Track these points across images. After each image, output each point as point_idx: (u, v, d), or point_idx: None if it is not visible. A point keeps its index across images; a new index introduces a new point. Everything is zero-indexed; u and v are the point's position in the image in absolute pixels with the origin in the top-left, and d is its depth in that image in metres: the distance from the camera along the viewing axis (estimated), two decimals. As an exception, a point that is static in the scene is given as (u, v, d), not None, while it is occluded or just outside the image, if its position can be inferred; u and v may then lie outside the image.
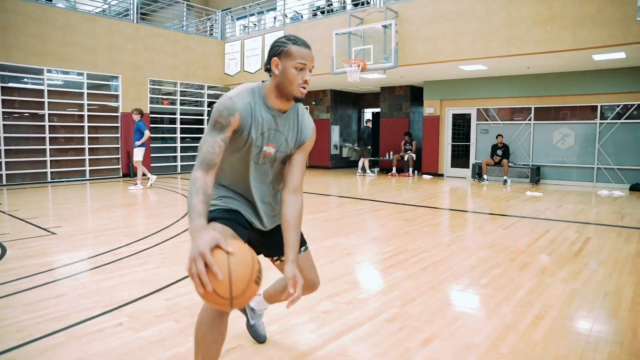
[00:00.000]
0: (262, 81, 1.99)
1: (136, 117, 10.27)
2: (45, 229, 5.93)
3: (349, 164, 17.62)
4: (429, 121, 14.05)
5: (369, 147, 14.50)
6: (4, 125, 10.94)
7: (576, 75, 11.70)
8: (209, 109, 15.44)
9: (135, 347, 2.67)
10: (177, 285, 3.78)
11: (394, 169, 14.50)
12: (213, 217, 1.97)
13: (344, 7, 13.56)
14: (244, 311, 2.74)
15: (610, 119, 11.52)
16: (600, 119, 11.63)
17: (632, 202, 9.03)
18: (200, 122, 15.36)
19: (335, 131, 16.91)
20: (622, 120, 11.38)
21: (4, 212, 7.20)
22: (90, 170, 12.52)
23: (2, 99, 10.91)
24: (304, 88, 1.90)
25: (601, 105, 11.60)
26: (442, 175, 14.08)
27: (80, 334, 2.82)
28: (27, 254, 4.70)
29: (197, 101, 15.43)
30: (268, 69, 1.93)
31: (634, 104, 11.16)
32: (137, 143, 10.23)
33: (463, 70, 11.81)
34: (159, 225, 6.30)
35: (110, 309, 3.24)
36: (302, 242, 2.24)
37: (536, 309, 3.29)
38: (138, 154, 10.35)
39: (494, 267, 4.33)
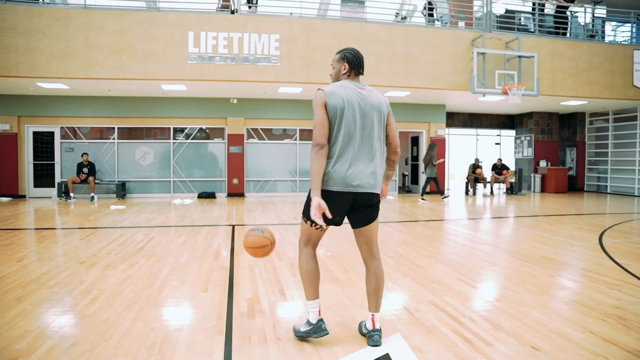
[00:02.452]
0: None
1: None
2: None
3: None
4: (4, 138, 13.09)
5: None
6: None
7: (152, 100, 13.37)
8: None
9: None
10: None
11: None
12: None
13: None
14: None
15: (181, 139, 13.66)
16: (173, 139, 13.63)
17: (196, 207, 11.08)
18: None
19: None
20: (190, 140, 13.68)
21: None
22: None
23: None
24: None
25: (173, 127, 13.63)
26: (24, 196, 13.37)
27: None
28: None
29: None
30: None
31: (197, 127, 13.65)
32: None
33: (42, 87, 11.70)
34: None
35: None
36: None
37: (93, 294, 4.08)
38: None
39: (63, 271, 4.89)
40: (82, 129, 13.60)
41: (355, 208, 2.93)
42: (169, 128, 13.68)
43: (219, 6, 11.45)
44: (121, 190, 13.18)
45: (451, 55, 11.80)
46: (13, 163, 13.06)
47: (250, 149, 14.04)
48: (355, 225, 3.00)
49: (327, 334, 3.01)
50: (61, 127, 13.47)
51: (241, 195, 13.78)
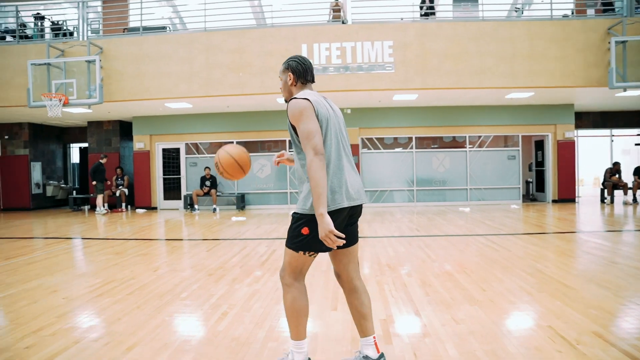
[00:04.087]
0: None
1: None
2: None
3: (55, 204, 16.31)
4: (140, 156, 14.30)
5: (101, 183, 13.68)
6: None
7: (268, 114, 13.74)
8: None
9: None
10: None
11: (106, 205, 14.18)
12: None
13: (42, 36, 12.82)
14: None
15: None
16: (289, 151, 13.89)
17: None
18: None
19: (36, 168, 15.50)
20: (304, 153, 13.87)
21: None
22: None
23: None
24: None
25: (288, 140, 13.90)
26: (155, 208, 14.43)
27: None
28: None
29: None
30: None
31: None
32: None
33: (170, 107, 12.55)
34: None
35: None
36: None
37: (223, 309, 4.09)
38: None
39: (193, 283, 5.03)
40: (203, 144, 14.39)
41: (349, 224, 2.68)
42: (285, 140, 13.99)
43: (330, 17, 11.50)
44: (241, 202, 13.68)
45: (581, 49, 10.72)
46: (147, 178, 14.18)
47: (365, 159, 13.88)
48: (348, 244, 2.70)
49: None
50: (186, 143, 14.36)
51: (355, 205, 13.69)
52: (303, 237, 2.54)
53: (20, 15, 12.49)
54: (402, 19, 11.40)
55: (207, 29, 11.15)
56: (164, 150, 14.50)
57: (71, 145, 17.54)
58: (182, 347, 3.26)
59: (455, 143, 13.95)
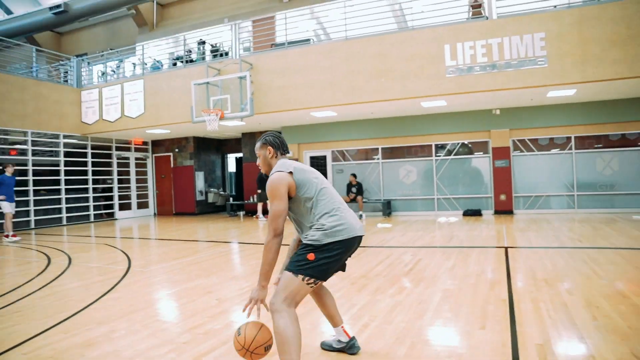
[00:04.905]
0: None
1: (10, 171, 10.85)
2: None
3: (216, 209, 17.84)
4: (290, 163, 14.91)
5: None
6: None
7: (412, 118, 13.43)
8: (67, 158, 14.80)
9: (-5, 395, 2.81)
10: (37, 339, 3.86)
11: (260, 211, 15.05)
12: None
13: (203, 58, 14.11)
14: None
15: (444, 155, 13.37)
16: (435, 156, 13.44)
17: (462, 225, 10.55)
18: (57, 173, 14.63)
19: (199, 177, 17.11)
20: (452, 157, 13.28)
21: None
22: None
23: None
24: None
25: (435, 144, 13.44)
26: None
27: None
28: None
29: (52, 151, 14.72)
30: None
31: (459, 142, 13.15)
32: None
33: (315, 116, 12.92)
34: (15, 283, 6.10)
35: (-36, 366, 3.28)
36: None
37: (364, 320, 3.98)
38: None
39: (336, 291, 5.00)
40: (349, 151, 14.57)
41: (350, 254, 2.99)
42: (430, 145, 13.55)
43: (470, 15, 10.85)
44: (387, 209, 13.56)
45: None
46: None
47: (517, 162, 12.85)
48: (342, 270, 3.13)
49: None
50: (332, 151, 14.68)
51: (509, 212, 12.68)
52: (307, 262, 2.76)
53: (186, 43, 13.91)
54: (555, 6, 10.31)
55: (348, 37, 11.26)
56: (311, 157, 14.99)
57: (228, 155, 19.04)
58: (320, 357, 3.20)
59: (626, 141, 12.18)
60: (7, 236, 10.82)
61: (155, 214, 17.83)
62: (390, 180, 14.02)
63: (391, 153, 14.07)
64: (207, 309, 4.56)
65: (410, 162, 13.78)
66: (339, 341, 3.28)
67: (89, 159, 15.54)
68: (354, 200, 13.61)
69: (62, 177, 14.64)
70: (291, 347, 2.62)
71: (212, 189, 17.65)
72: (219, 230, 11.86)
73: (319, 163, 14.95)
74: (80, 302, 4.98)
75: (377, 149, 14.14)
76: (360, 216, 13.29)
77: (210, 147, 17.89)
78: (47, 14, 17.81)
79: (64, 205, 14.68)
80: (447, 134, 13.32)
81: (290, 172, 2.80)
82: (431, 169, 13.53)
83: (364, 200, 13.70)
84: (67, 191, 14.88)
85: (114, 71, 16.27)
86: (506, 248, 7.33)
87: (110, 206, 16.55)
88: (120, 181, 16.74)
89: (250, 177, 16.24)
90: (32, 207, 13.72)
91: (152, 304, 4.87)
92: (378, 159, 14.13)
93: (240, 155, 17.97)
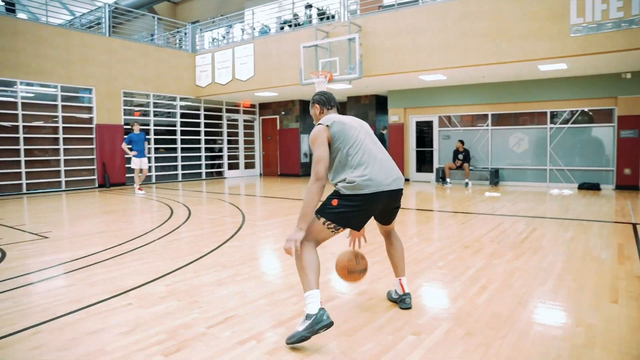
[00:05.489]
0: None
1: (137, 129, 11.71)
2: (36, 234, 6.30)
3: (319, 171, 18.20)
4: (394, 128, 14.80)
5: None
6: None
7: (527, 83, 12.64)
8: (182, 119, 15.81)
9: (148, 319, 3.17)
10: (174, 274, 4.27)
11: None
12: None
13: (310, 21, 14.21)
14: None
15: (559, 124, 12.50)
16: (550, 124, 12.60)
17: (578, 199, 9.90)
18: (173, 132, 15.71)
19: (304, 140, 17.50)
20: (569, 125, 12.37)
21: (-10, 221, 7.51)
22: (65, 181, 12.75)
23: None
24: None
25: (550, 112, 12.58)
26: (408, 180, 14.83)
27: (97, 312, 3.30)
28: (26, 255, 5.11)
29: (169, 112, 15.79)
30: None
31: (578, 110, 12.18)
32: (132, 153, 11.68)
33: (424, 80, 12.60)
34: (146, 228, 6.74)
35: (118, 293, 3.72)
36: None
37: (482, 282, 3.93)
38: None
39: (450, 254, 4.96)
40: (457, 116, 14.09)
41: (394, 208, 3.24)
42: (545, 112, 12.70)
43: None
44: (494, 178, 13.05)
45: None
46: (400, 150, 14.61)
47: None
48: (386, 222, 3.34)
49: (331, 322, 2.67)
50: (439, 116, 14.29)
51: (634, 188, 11.62)
52: (330, 207, 2.92)
53: (294, 5, 14.07)
54: None
55: (464, -4, 10.73)
56: (417, 123, 14.72)
57: (333, 119, 19.20)
58: (439, 314, 3.23)
59: None
60: (140, 189, 11.86)
61: (261, 174, 18.62)
62: (499, 148, 13.41)
63: (501, 120, 13.41)
64: (323, 262, 4.73)
65: (521, 130, 13.05)
66: (395, 292, 3.44)
67: (202, 120, 16.48)
68: (460, 167, 13.23)
69: (179, 137, 15.69)
70: (306, 269, 2.83)
71: (315, 152, 18.00)
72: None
73: (424, 129, 14.66)
74: (204, 247, 5.40)
75: (487, 115, 13.53)
76: (467, 184, 12.92)
77: (314, 111, 18.14)
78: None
79: (179, 163, 15.78)
80: (565, 101, 12.38)
81: (328, 126, 2.97)
82: (544, 138, 12.72)
83: (471, 168, 13.27)
84: (182, 150, 15.95)
85: (224, 37, 16.92)
86: (634, 224, 6.78)
87: (220, 165, 17.52)
88: (229, 142, 17.62)
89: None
90: (153, 164, 14.89)
91: (271, 253, 5.16)
92: (487, 125, 13.55)
93: (343, 119, 18.08)
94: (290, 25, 14.29)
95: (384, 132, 13.95)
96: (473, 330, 2.92)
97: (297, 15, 14.53)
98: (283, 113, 17.65)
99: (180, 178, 15.82)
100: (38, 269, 4.52)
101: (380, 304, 3.44)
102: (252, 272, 4.39)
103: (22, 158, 11.89)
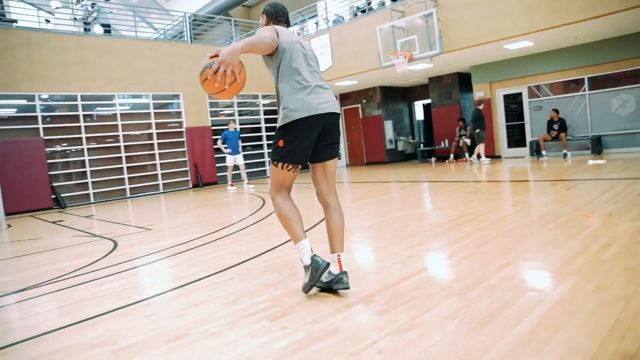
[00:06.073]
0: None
1: (232, 127, 12.02)
2: (141, 227, 6.65)
3: (406, 157, 17.85)
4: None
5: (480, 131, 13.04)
6: (87, 149, 12.09)
7: (628, 38, 11.50)
8: (266, 117, 16.13)
9: (251, 290, 3.16)
10: (271, 252, 4.27)
11: (452, 155, 14.61)
12: None
13: (383, 4, 13.91)
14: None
15: (670, 79, 11.27)
16: (660, 81, 11.39)
17: (701, 157, 8.85)
18: (258, 130, 16.07)
19: (388, 126, 17.21)
20: (682, 79, 11.12)
21: (100, 220, 8.04)
22: (162, 184, 13.46)
23: (85, 126, 12.06)
24: None
25: (658, 67, 11.38)
26: (499, 156, 14.10)
27: (202, 286, 3.35)
28: (134, 244, 5.39)
29: (253, 111, 16.17)
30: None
31: (694, 61, 10.90)
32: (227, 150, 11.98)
33: (509, 49, 11.87)
34: (241, 216, 6.89)
35: (219, 270, 3.77)
36: None
37: (604, 240, 3.54)
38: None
39: (559, 216, 4.56)
40: (547, 85, 13.16)
41: (328, 143, 2.95)
42: (653, 68, 11.50)
43: None
44: (597, 146, 12.02)
45: None
46: (489, 126, 13.86)
47: None
48: (323, 159, 2.98)
49: (328, 263, 2.77)
50: (528, 87, 13.43)
51: None
52: (279, 148, 2.84)
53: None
54: None
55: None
56: (504, 96, 13.94)
57: (415, 103, 18.73)
58: (561, 269, 2.93)
59: None
60: (232, 185, 12.23)
61: (347, 164, 18.57)
62: (600, 114, 12.33)
63: (600, 83, 12.31)
64: (423, 231, 4.54)
65: (626, 91, 11.90)
66: (329, 273, 2.91)
67: (285, 116, 16.70)
68: (556, 138, 12.34)
69: (264, 134, 16.02)
70: (290, 222, 2.86)
71: (401, 137, 17.67)
72: (416, 173, 11.82)
73: (513, 101, 13.85)
74: (305, 224, 5.37)
75: (582, 79, 12.49)
76: (565, 155, 12.02)
77: (396, 96, 17.82)
78: (238, -12, 19.65)
79: (266, 159, 16.10)
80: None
81: (276, 29, 2.87)
82: None
83: (568, 137, 12.32)
84: (268, 146, 16.26)
85: (299, 33, 17.03)
86: None
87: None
88: (312, 135, 17.73)
89: (439, 123, 15.80)
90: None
91: (369, 228, 5.02)
92: (584, 90, 12.51)
93: (427, 101, 17.56)
94: (363, 11, 14.09)
95: (480, 107, 12.92)
96: (605, 285, 2.61)
97: (370, 1, 14.30)
98: (364, 101, 17.47)
99: (268, 174, 16.14)
100: (145, 254, 4.74)
101: (489, 265, 3.19)
102: (350, 245, 4.29)
103: (124, 165, 12.71)
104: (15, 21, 12.52)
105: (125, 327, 2.71)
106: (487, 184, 7.96)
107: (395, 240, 4.28)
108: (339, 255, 2.93)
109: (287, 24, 3.19)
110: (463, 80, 15.52)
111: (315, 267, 2.75)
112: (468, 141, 14.40)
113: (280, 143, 2.85)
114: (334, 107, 2.92)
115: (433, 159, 15.91)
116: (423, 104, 18.40)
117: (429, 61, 12.23)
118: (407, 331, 2.24)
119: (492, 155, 14.04)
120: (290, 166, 2.87)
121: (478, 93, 14.15)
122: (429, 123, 17.23)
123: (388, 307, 2.59)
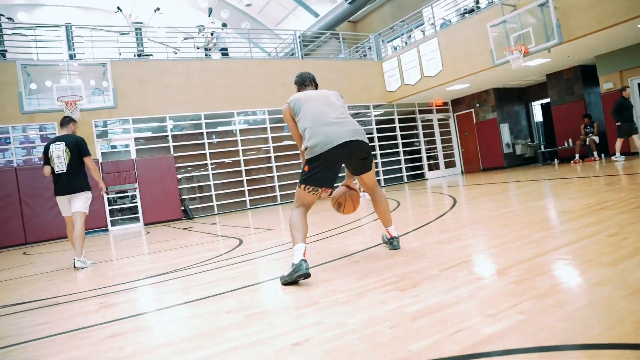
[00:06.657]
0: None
1: None
2: (262, 228, 6.96)
3: (525, 161, 16.83)
4: (610, 98, 12.87)
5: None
6: (210, 164, 13.03)
7: None
8: (378, 126, 16.19)
9: (377, 269, 3.16)
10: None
11: (577, 155, 13.53)
12: None
13: (492, 2, 13.40)
14: None
15: None
16: None
17: None
18: (371, 140, 16.14)
19: (504, 130, 16.42)
20: None
21: (224, 225, 8.57)
22: (280, 195, 14.01)
23: (208, 142, 13.03)
24: None
25: None
26: (636, 153, 12.74)
27: (327, 268, 3.41)
28: (257, 240, 5.71)
29: (365, 121, 16.30)
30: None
31: None
32: None
33: (644, 30, 10.75)
34: (361, 215, 6.95)
35: (344, 255, 3.83)
36: None
37: None
38: None
39: (619, 204, 4.02)
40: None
41: (360, 159, 3.50)
42: None
43: None
44: None
45: None
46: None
47: None
48: (361, 172, 3.64)
49: (307, 273, 2.98)
50: (667, 73, 12.07)
51: None
52: (303, 173, 3.36)
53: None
54: None
55: None
56: (639, 85, 12.63)
57: (532, 103, 17.68)
58: None
59: None
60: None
61: (462, 172, 17.96)
62: None
63: None
64: (554, 218, 4.24)
65: None
66: (385, 236, 3.89)
67: (397, 125, 16.63)
68: None
69: (376, 144, 16.05)
70: (294, 229, 3.24)
71: (519, 140, 16.74)
72: (535, 174, 11.11)
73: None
74: (421, 221, 5.30)
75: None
76: None
77: (512, 97, 16.96)
78: (344, 7, 20.61)
79: (380, 169, 16.08)
80: None
81: (289, 104, 3.54)
82: None
83: None
84: (382, 155, 16.26)
85: (406, 42, 16.96)
86: None
87: (420, 167, 17.40)
88: (426, 143, 17.44)
89: (561, 122, 14.73)
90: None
91: (494, 218, 4.80)
92: None
93: (546, 100, 16.47)
94: (471, 11, 13.68)
95: (625, 94, 11.51)
96: None
97: (478, 0, 13.87)
98: (478, 105, 16.84)
99: (382, 184, 16.10)
100: (268, 247, 4.97)
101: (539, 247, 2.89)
102: (475, 232, 4.13)
103: (244, 178, 13.45)
104: (151, 55, 13.92)
105: (256, 299, 2.88)
106: (625, 177, 7.24)
107: (523, 225, 4.05)
108: (387, 229, 3.83)
109: (315, 85, 3.85)
110: (586, 73, 14.34)
111: (297, 269, 2.99)
112: (596, 138, 13.25)
113: (306, 168, 3.37)
114: (347, 137, 3.33)
115: (556, 161, 14.84)
116: (541, 104, 17.31)
117: (546, 55, 11.49)
118: (551, 296, 2.09)
119: (627, 153, 12.71)
120: (310, 188, 3.34)
121: (605, 84, 12.98)
122: (548, 123, 16.15)
123: (525, 277, 2.44)
